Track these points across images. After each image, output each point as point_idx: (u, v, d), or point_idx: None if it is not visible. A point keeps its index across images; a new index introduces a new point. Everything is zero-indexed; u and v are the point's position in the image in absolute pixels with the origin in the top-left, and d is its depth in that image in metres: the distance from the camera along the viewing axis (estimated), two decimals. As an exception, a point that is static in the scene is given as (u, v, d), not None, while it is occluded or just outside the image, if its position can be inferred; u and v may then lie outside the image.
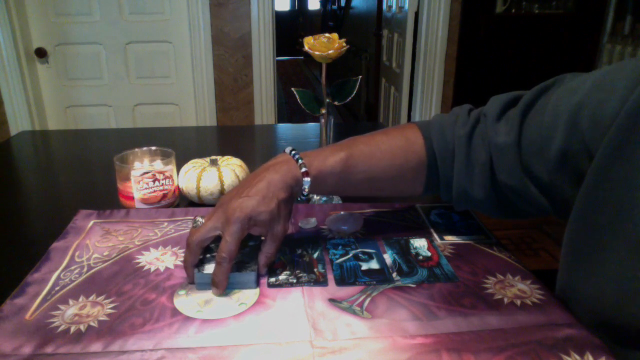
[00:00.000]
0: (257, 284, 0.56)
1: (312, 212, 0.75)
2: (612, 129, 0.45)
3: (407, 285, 0.56)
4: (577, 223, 0.50)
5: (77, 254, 0.63)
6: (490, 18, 2.49)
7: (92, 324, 0.49)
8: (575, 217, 0.50)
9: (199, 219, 0.57)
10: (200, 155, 0.87)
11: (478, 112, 0.64)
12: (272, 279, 0.57)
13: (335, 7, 6.83)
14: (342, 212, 0.74)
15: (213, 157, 0.84)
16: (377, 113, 3.47)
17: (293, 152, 0.60)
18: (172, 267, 0.60)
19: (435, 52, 2.46)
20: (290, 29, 8.43)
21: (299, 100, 0.78)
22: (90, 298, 0.53)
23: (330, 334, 0.48)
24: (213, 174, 0.79)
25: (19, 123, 2.30)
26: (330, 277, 0.58)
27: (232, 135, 1.49)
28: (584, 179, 0.49)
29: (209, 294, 0.54)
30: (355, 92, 0.77)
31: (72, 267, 0.60)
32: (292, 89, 0.79)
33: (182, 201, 0.84)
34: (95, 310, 0.51)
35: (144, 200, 0.77)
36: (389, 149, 0.64)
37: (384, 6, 3.31)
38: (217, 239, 0.55)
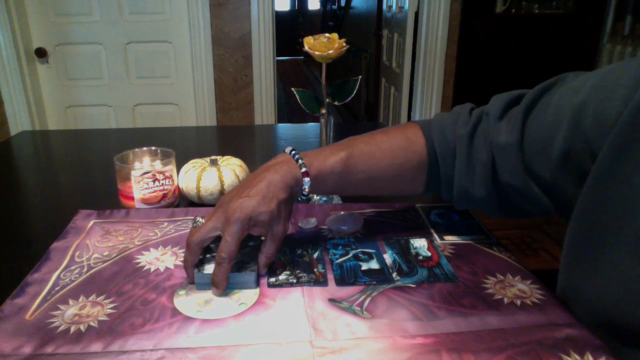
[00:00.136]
0: (257, 284, 0.56)
1: (312, 212, 0.75)
2: (616, 128, 0.45)
3: (407, 285, 0.56)
4: (579, 222, 0.50)
5: (77, 254, 0.63)
6: (490, 18, 2.49)
7: (92, 324, 0.49)
8: (577, 216, 0.50)
9: (199, 219, 0.57)
10: (200, 155, 0.87)
11: (480, 111, 0.64)
12: (272, 279, 0.57)
13: (335, 7, 6.83)
14: (342, 212, 0.74)
15: (213, 157, 0.84)
16: (377, 113, 3.48)
17: (293, 152, 0.60)
18: (172, 267, 0.60)
19: (435, 52, 2.46)
20: (290, 29, 8.43)
21: (299, 100, 0.78)
22: (90, 298, 0.53)
23: (330, 334, 0.48)
24: (213, 174, 0.79)
25: (19, 123, 2.30)
26: (330, 277, 0.58)
27: (232, 135, 1.49)
28: (586, 179, 0.49)
29: (209, 294, 0.54)
30: (355, 92, 0.77)
31: (72, 267, 0.60)
32: (292, 89, 0.79)
33: (182, 201, 0.84)
34: (95, 310, 0.51)
35: (144, 200, 0.77)
36: (389, 148, 0.64)
37: (384, 6, 3.32)
38: (217, 239, 0.55)
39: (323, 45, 0.72)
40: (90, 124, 2.45)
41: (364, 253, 0.63)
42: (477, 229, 0.70)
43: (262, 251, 0.58)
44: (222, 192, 0.79)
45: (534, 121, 0.55)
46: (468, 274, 0.58)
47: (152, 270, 0.59)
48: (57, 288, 0.55)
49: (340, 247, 0.65)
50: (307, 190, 0.59)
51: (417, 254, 0.63)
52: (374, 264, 0.61)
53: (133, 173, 0.76)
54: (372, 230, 0.70)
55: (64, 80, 2.37)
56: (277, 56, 2.50)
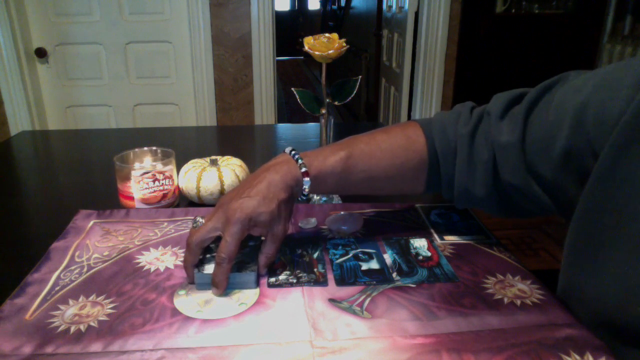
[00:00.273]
0: (257, 284, 0.56)
1: (312, 212, 0.75)
2: (618, 128, 0.45)
3: (407, 285, 0.56)
4: (580, 222, 0.50)
5: (77, 254, 0.63)
6: (490, 18, 2.49)
7: (92, 324, 0.49)
8: (578, 216, 0.50)
9: (199, 219, 0.57)
10: (200, 155, 0.87)
11: (481, 110, 0.63)
12: (272, 279, 0.57)
13: (335, 7, 6.83)
14: (342, 212, 0.74)
15: (213, 157, 0.84)
16: (377, 113, 3.48)
17: (293, 152, 0.60)
18: (172, 267, 0.60)
19: (435, 52, 2.46)
20: (290, 29, 8.43)
21: (299, 100, 0.78)
22: (90, 298, 0.53)
23: (330, 334, 0.48)
24: (213, 174, 0.79)
25: (19, 123, 2.30)
26: (330, 277, 0.58)
27: (232, 135, 1.49)
28: (588, 178, 0.48)
29: (209, 294, 0.54)
30: (355, 92, 0.77)
31: (72, 267, 0.60)
32: (292, 89, 0.79)
33: (182, 201, 0.84)
34: (95, 310, 0.51)
35: (144, 200, 0.77)
36: (389, 147, 0.63)
37: (384, 6, 3.31)
38: (217, 239, 0.55)
39: (323, 45, 0.72)
40: (90, 124, 2.45)
41: (364, 253, 0.63)
42: (477, 229, 0.70)
43: (262, 251, 0.58)
44: (222, 192, 0.79)
45: (536, 120, 0.55)
46: (468, 274, 0.58)
47: (152, 270, 0.59)
48: (57, 288, 0.55)
49: (340, 247, 0.65)
50: (307, 190, 0.59)
51: (417, 254, 0.63)
52: (374, 264, 0.61)
53: (133, 173, 0.76)
54: (372, 230, 0.70)
55: (64, 80, 2.37)
56: (277, 56, 2.50)
